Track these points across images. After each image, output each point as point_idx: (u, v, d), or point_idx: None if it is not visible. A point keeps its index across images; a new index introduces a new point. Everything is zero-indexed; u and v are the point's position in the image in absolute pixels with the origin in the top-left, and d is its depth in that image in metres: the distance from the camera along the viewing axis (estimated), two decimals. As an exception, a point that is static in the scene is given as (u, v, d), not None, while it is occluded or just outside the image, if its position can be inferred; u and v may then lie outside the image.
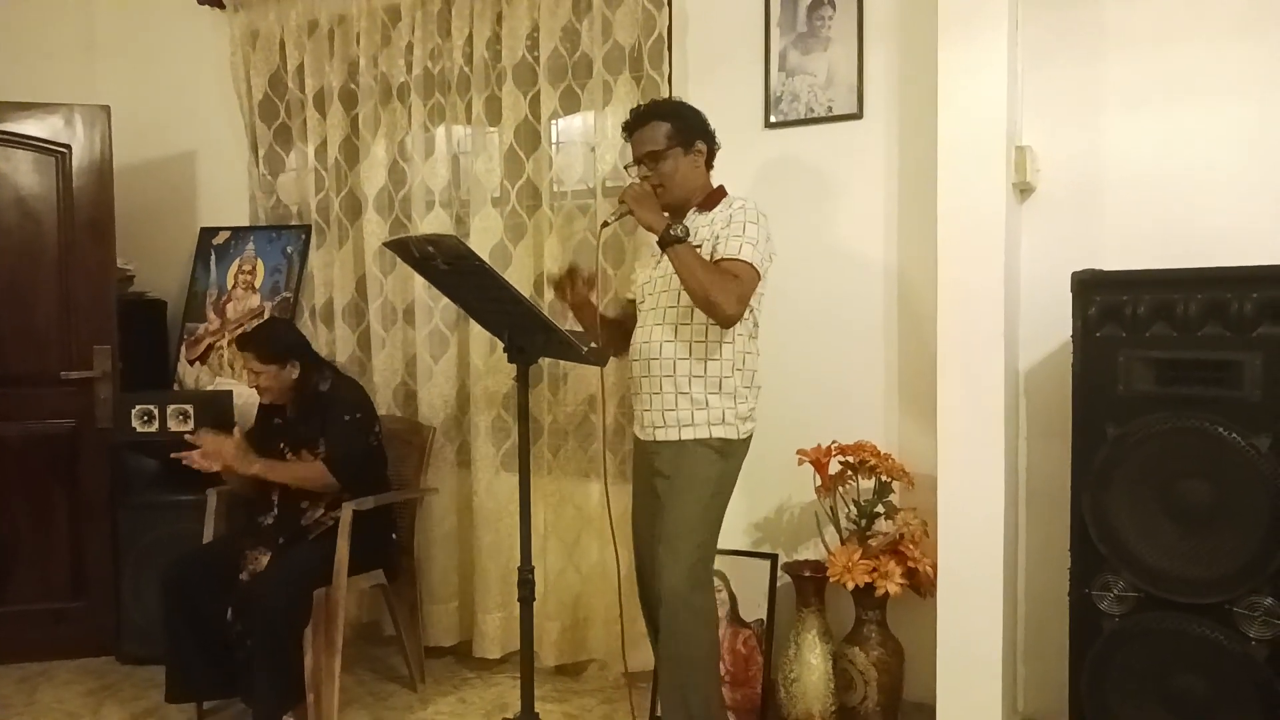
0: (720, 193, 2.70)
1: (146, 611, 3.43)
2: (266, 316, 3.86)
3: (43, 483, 3.72)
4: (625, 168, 2.79)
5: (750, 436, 2.64)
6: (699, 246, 2.52)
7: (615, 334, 2.81)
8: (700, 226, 2.59)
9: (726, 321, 2.51)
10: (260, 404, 3.24)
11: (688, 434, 2.57)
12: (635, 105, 2.81)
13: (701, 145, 2.67)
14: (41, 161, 3.72)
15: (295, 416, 3.17)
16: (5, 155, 3.69)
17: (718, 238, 2.54)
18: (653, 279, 2.69)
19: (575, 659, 3.45)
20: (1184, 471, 2.26)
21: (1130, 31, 2.68)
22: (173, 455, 3.01)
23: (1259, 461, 2.18)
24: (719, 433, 2.57)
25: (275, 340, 3.18)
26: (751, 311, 2.61)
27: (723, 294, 2.45)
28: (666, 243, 2.47)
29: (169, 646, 2.97)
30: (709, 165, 2.72)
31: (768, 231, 2.57)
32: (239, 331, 3.71)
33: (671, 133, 2.62)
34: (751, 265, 2.50)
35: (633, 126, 2.68)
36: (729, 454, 2.59)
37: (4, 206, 3.69)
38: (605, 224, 2.71)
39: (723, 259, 2.50)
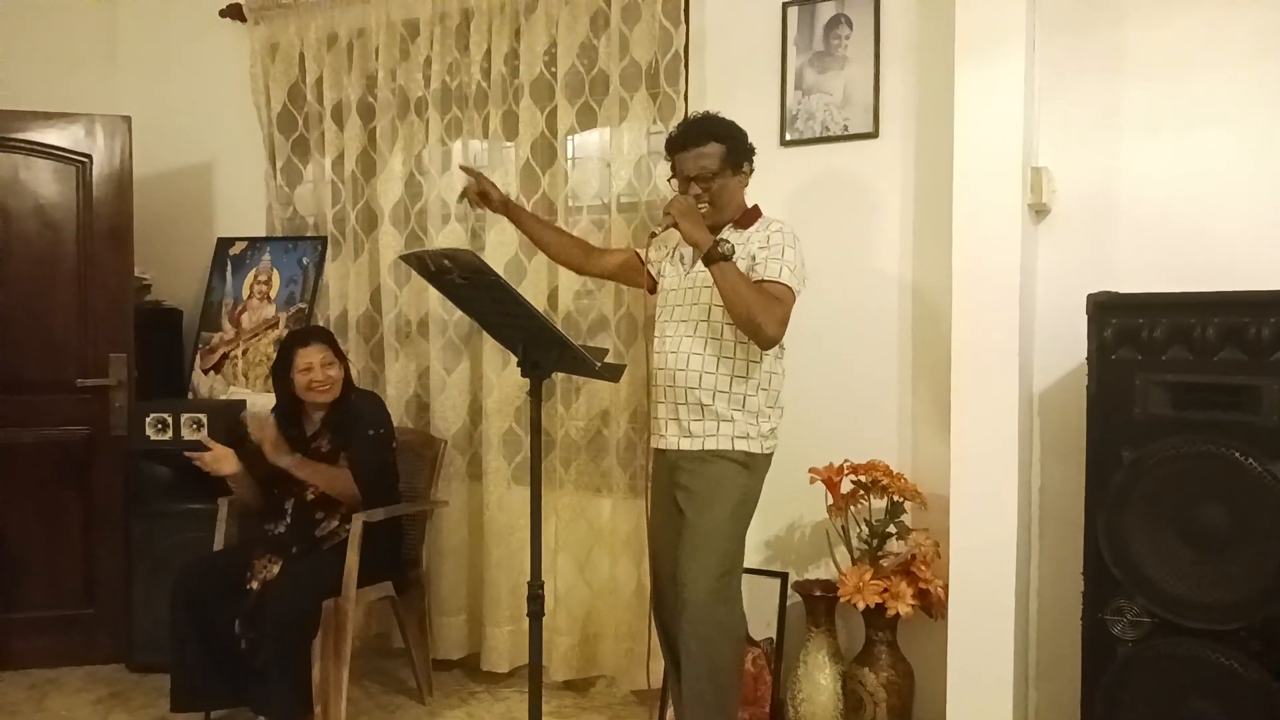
0: (755, 211, 2.69)
1: (158, 619, 3.41)
2: (282, 327, 3.87)
3: (56, 489, 3.74)
4: (669, 179, 2.75)
5: (772, 453, 2.64)
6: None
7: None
8: (737, 244, 2.57)
9: (767, 343, 2.51)
10: (273, 414, 3.24)
11: (710, 444, 2.57)
12: (687, 117, 2.75)
13: (748, 167, 2.68)
14: (62, 171, 3.75)
15: (320, 429, 3.16)
16: (26, 164, 3.73)
17: (754, 258, 2.55)
18: (681, 288, 2.68)
19: (584, 674, 3.44)
20: (1200, 496, 2.24)
21: (1148, 54, 2.67)
22: (185, 454, 3.02)
23: (1276, 487, 2.15)
24: (742, 446, 2.56)
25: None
26: None
27: (767, 315, 2.45)
28: (712, 259, 2.47)
29: (175, 654, 2.97)
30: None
31: (803, 256, 2.58)
32: (295, 328, 3.67)
33: (726, 155, 2.61)
34: (790, 288, 2.52)
35: (688, 144, 2.62)
36: (752, 468, 2.59)
37: (24, 215, 3.72)
38: (653, 234, 2.66)
39: (763, 280, 2.51)
